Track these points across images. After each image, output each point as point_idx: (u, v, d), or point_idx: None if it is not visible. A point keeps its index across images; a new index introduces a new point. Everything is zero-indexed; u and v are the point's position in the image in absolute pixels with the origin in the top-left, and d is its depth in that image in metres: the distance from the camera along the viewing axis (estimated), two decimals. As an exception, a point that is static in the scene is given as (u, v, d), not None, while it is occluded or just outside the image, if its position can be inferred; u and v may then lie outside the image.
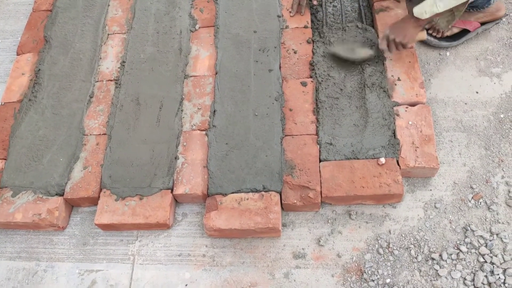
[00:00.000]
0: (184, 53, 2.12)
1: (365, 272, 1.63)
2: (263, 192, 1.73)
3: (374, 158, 1.73)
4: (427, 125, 1.77)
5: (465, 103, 1.91)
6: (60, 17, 2.33)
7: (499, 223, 1.66)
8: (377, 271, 1.63)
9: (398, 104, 1.84)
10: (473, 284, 1.56)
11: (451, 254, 1.62)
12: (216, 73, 2.04)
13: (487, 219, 1.67)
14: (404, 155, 1.72)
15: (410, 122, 1.78)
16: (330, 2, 2.22)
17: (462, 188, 1.74)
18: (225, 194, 1.75)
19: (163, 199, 1.77)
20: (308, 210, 1.77)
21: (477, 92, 1.93)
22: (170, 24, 2.22)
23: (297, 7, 2.15)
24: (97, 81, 2.12)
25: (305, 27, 2.11)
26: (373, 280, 1.61)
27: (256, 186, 1.75)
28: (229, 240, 1.76)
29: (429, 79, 1.98)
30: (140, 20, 2.26)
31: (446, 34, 2.01)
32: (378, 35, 2.02)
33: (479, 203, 1.70)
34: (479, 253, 1.61)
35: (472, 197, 1.72)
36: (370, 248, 1.68)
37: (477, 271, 1.58)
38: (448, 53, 2.03)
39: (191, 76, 2.06)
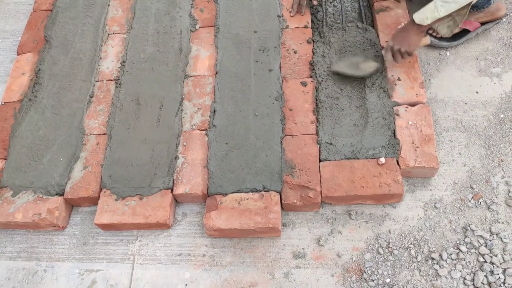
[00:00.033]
0: (184, 53, 2.12)
1: (365, 272, 1.63)
2: (263, 192, 1.73)
3: (374, 158, 1.74)
4: (427, 125, 1.77)
5: (465, 103, 1.91)
6: (60, 17, 2.33)
7: (499, 223, 1.66)
8: (377, 271, 1.63)
9: (398, 104, 1.84)
10: (473, 284, 1.56)
11: (451, 254, 1.62)
12: (216, 73, 2.04)
13: (487, 219, 1.67)
14: (404, 155, 1.72)
15: (410, 122, 1.78)
16: (330, 2, 2.22)
17: (462, 188, 1.74)
18: (225, 194, 1.75)
19: (163, 199, 1.77)
20: (308, 210, 1.77)
21: (477, 92, 1.93)
22: (170, 24, 2.22)
23: (297, 7, 2.15)
24: (97, 81, 2.12)
25: (305, 27, 2.11)
26: (373, 280, 1.61)
27: (256, 186, 1.75)
28: (229, 240, 1.76)
29: (429, 79, 1.98)
30: (140, 20, 2.26)
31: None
32: (378, 35, 2.02)
33: (479, 203, 1.70)
34: (479, 253, 1.61)
35: (472, 197, 1.72)
36: (370, 248, 1.68)
37: (477, 271, 1.58)
38: (448, 53, 2.03)
39: (191, 76, 2.06)
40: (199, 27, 2.21)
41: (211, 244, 1.76)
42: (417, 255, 1.64)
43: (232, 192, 1.75)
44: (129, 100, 2.02)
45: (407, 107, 1.82)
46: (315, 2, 2.17)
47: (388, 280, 1.61)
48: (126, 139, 1.92)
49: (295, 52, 2.04)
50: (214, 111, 1.94)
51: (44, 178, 1.87)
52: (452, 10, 1.67)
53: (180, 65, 2.08)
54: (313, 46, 2.05)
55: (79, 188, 1.84)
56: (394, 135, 1.77)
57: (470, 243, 1.63)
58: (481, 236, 1.64)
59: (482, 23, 2.01)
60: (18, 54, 2.28)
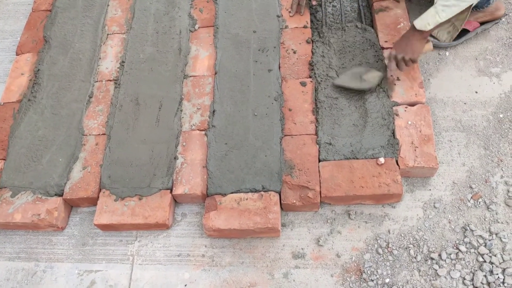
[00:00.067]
0: (184, 53, 2.12)
1: (365, 272, 1.63)
2: (262, 192, 1.73)
3: (374, 158, 1.73)
4: (427, 125, 1.77)
5: (464, 103, 1.91)
6: (59, 17, 2.33)
7: (498, 222, 1.66)
8: (376, 271, 1.63)
9: (397, 104, 1.84)
10: (472, 284, 1.56)
11: (450, 254, 1.62)
12: (216, 73, 2.04)
13: (486, 219, 1.67)
14: (403, 155, 1.72)
15: (409, 122, 1.78)
16: (330, 2, 2.22)
17: (461, 188, 1.74)
18: (224, 194, 1.75)
19: (163, 199, 1.77)
20: (308, 210, 1.77)
21: (476, 92, 1.93)
22: (169, 24, 2.22)
23: (296, 7, 2.15)
24: (97, 81, 2.12)
25: (305, 27, 2.11)
26: (372, 280, 1.61)
27: (256, 186, 1.74)
28: (229, 240, 1.76)
29: (429, 79, 1.98)
30: (139, 20, 2.26)
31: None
32: (377, 35, 2.02)
33: (478, 203, 1.70)
34: (478, 252, 1.61)
35: (471, 197, 1.72)
36: (369, 248, 1.68)
37: (476, 270, 1.58)
38: (447, 53, 2.03)
39: (190, 76, 2.06)
40: (199, 27, 2.21)
41: (211, 244, 1.76)
42: (417, 255, 1.64)
43: (232, 192, 1.75)
44: (128, 101, 2.02)
45: (406, 107, 1.82)
46: (314, 2, 2.17)
47: (387, 280, 1.61)
48: (125, 140, 1.92)
49: (294, 52, 2.04)
50: (214, 111, 1.94)
51: (43, 179, 1.87)
52: (453, 13, 1.66)
53: (179, 65, 2.08)
54: (313, 46, 2.05)
55: (78, 189, 1.84)
56: (394, 135, 1.77)
57: (469, 243, 1.63)
58: (480, 236, 1.64)
59: (481, 23, 2.01)
60: (17, 54, 2.27)
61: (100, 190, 1.83)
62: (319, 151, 1.79)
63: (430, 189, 1.75)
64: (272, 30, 2.12)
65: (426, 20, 1.68)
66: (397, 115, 1.81)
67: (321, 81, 1.94)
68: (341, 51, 2.01)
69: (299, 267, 1.67)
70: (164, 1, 2.30)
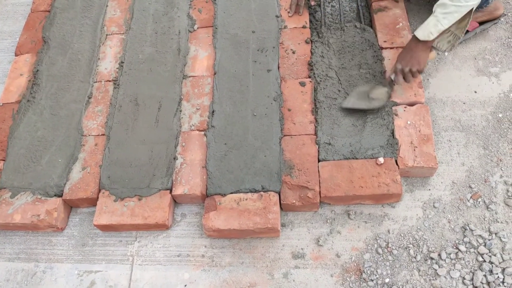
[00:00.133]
0: (183, 53, 2.12)
1: (364, 272, 1.63)
2: (262, 192, 1.73)
3: (373, 158, 1.74)
4: (426, 124, 1.77)
5: (464, 103, 1.91)
6: (58, 18, 2.33)
7: (498, 222, 1.66)
8: (376, 271, 1.63)
9: (396, 104, 1.84)
10: (472, 284, 1.57)
11: (450, 254, 1.62)
12: (215, 74, 2.03)
13: (485, 219, 1.67)
14: (402, 154, 1.72)
15: (408, 122, 1.78)
16: (329, 2, 2.23)
17: (461, 188, 1.74)
18: (224, 195, 1.75)
19: (162, 199, 1.77)
20: (307, 210, 1.77)
21: (475, 92, 1.93)
22: (168, 24, 2.22)
23: (295, 7, 2.15)
24: (96, 82, 2.11)
25: (304, 27, 2.11)
26: (372, 280, 1.61)
27: (255, 186, 1.74)
28: (228, 240, 1.76)
29: (428, 79, 1.99)
30: (138, 21, 2.26)
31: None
32: (376, 35, 2.02)
33: (477, 203, 1.71)
34: (478, 252, 1.61)
35: (471, 197, 1.72)
36: (369, 248, 1.68)
37: (476, 270, 1.58)
38: (446, 53, 2.03)
39: (189, 77, 2.06)
40: (197, 28, 2.21)
41: (210, 244, 1.76)
42: (416, 254, 1.64)
43: (231, 193, 1.75)
44: (127, 101, 2.02)
45: (405, 107, 1.82)
46: (313, 3, 2.17)
47: (387, 280, 1.61)
48: (125, 140, 1.92)
49: (293, 52, 2.04)
50: (213, 112, 1.94)
51: (43, 179, 1.87)
52: (455, 19, 1.64)
53: (178, 66, 2.08)
54: (312, 46, 2.05)
55: (77, 189, 1.84)
56: (393, 135, 1.77)
57: (469, 242, 1.63)
58: (480, 235, 1.64)
59: (480, 23, 2.01)
60: (16, 55, 2.27)
61: (99, 190, 1.83)
62: (318, 151, 1.79)
63: (429, 189, 1.76)
64: (271, 30, 2.12)
65: (428, 30, 1.66)
66: (396, 115, 1.81)
67: (320, 81, 1.94)
68: (340, 51, 2.01)
69: (298, 267, 1.68)
70: (163, 1, 2.30)
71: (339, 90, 1.91)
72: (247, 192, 1.74)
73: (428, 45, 1.73)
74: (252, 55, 2.06)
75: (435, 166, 1.69)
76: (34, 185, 1.86)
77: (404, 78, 1.78)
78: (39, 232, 1.88)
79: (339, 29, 2.07)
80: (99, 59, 2.18)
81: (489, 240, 1.62)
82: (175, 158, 1.85)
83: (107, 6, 2.35)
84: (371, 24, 2.11)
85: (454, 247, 1.63)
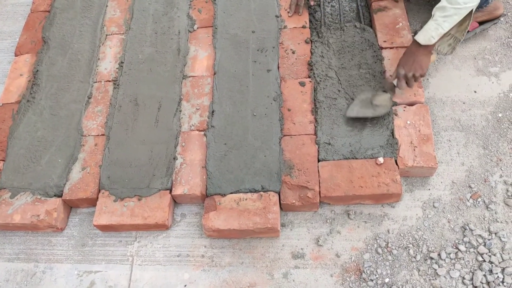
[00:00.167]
0: (183, 53, 2.12)
1: (364, 272, 1.63)
2: (261, 192, 1.73)
3: (373, 158, 1.74)
4: (426, 124, 1.77)
5: (463, 103, 1.91)
6: (58, 18, 2.33)
7: (498, 222, 1.66)
8: (376, 271, 1.63)
9: (396, 104, 1.84)
10: (472, 283, 1.56)
11: (449, 253, 1.62)
12: (215, 74, 2.03)
13: (485, 218, 1.67)
14: (402, 154, 1.72)
15: (408, 122, 1.78)
16: (328, 2, 2.23)
17: (461, 188, 1.74)
18: (223, 195, 1.75)
19: (162, 199, 1.77)
20: (307, 210, 1.77)
21: (475, 92, 1.93)
22: (168, 24, 2.22)
23: (295, 7, 2.15)
24: (95, 82, 2.11)
25: (303, 27, 2.11)
26: (372, 280, 1.61)
27: (255, 186, 1.74)
28: (228, 240, 1.76)
29: (427, 79, 1.98)
30: (138, 21, 2.26)
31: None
32: (376, 35, 2.02)
33: (477, 202, 1.70)
34: (478, 252, 1.61)
35: (471, 196, 1.72)
36: (369, 247, 1.68)
37: (475, 270, 1.58)
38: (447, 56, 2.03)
39: (189, 77, 2.06)
40: (197, 28, 2.21)
41: (210, 244, 1.76)
42: (416, 254, 1.64)
43: (231, 193, 1.75)
44: (127, 101, 2.02)
45: (405, 107, 1.82)
46: (312, 3, 2.17)
47: (387, 280, 1.61)
48: (125, 140, 1.92)
49: (293, 52, 2.04)
50: (213, 112, 1.94)
51: (42, 180, 1.87)
52: (455, 22, 1.63)
53: (178, 66, 2.08)
54: (311, 46, 2.05)
55: (77, 189, 1.84)
56: (393, 135, 1.77)
57: (468, 242, 1.63)
58: (479, 235, 1.64)
59: (480, 23, 2.01)
60: (16, 55, 2.27)
61: (99, 190, 1.83)
62: (318, 151, 1.79)
63: (429, 189, 1.76)
64: (271, 30, 2.12)
65: (429, 34, 1.65)
66: (396, 114, 1.81)
67: (320, 81, 1.94)
68: (340, 51, 2.01)
69: (298, 267, 1.68)
70: (162, 1, 2.30)
71: (339, 90, 1.91)
72: (247, 192, 1.74)
73: (430, 49, 1.72)
74: (252, 55, 2.06)
75: (435, 166, 1.69)
76: (34, 185, 1.86)
77: (407, 83, 1.77)
78: (38, 232, 1.88)
79: (339, 29, 2.07)
80: (99, 59, 2.18)
81: (488, 240, 1.62)
82: (175, 158, 1.85)
83: (107, 6, 2.35)
84: (371, 24, 2.11)
85: (454, 247, 1.63)
